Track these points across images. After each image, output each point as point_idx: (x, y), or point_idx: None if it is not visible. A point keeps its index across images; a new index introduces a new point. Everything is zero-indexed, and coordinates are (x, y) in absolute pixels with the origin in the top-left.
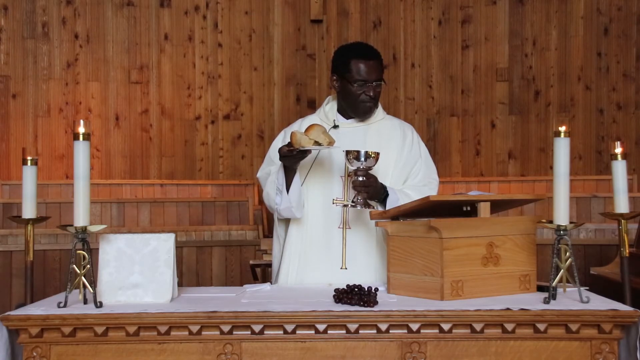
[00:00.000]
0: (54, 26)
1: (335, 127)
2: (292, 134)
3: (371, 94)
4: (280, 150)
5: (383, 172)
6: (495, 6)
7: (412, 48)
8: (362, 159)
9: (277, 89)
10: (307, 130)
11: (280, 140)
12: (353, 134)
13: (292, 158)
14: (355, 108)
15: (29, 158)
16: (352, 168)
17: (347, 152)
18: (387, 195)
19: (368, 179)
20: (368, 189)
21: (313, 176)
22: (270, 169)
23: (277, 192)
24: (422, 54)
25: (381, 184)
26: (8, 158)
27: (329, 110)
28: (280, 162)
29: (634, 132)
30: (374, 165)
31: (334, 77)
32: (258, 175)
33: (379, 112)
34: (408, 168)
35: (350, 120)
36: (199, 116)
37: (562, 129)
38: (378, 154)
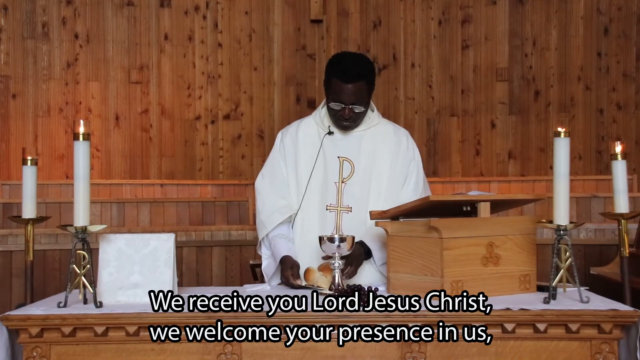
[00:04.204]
0: (54, 26)
1: (330, 133)
2: (309, 271)
3: (345, 115)
4: (286, 279)
5: (378, 175)
6: (495, 6)
7: (412, 48)
8: (337, 242)
9: (277, 89)
10: (323, 269)
11: (279, 143)
12: (348, 140)
13: (294, 288)
14: (334, 123)
15: (29, 158)
16: (327, 252)
17: (321, 238)
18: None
19: (345, 266)
20: (349, 272)
21: (309, 182)
22: (270, 231)
23: (265, 247)
24: (422, 54)
25: (358, 253)
26: (8, 158)
27: (324, 115)
28: (279, 258)
29: (634, 132)
30: (349, 251)
31: (324, 86)
32: (256, 184)
33: (375, 117)
34: (404, 170)
35: None
36: (199, 116)
37: (562, 129)
38: (353, 238)
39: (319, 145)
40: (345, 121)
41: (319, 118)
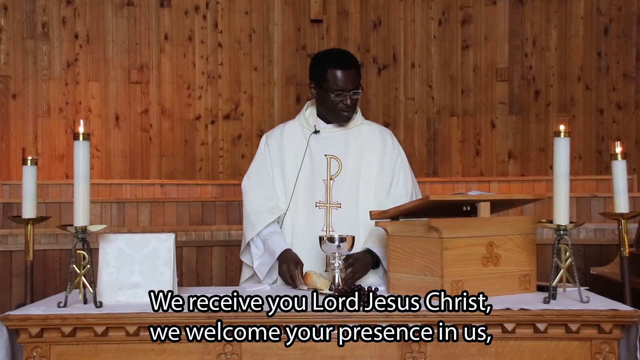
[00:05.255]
0: (54, 26)
1: (316, 132)
2: (307, 275)
3: (348, 103)
4: (291, 275)
5: (367, 172)
6: (495, 6)
7: (412, 48)
8: (337, 242)
9: (277, 89)
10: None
11: (263, 146)
12: (334, 139)
13: (294, 288)
14: (334, 116)
15: (29, 158)
16: (327, 252)
17: (321, 238)
18: (377, 259)
19: (353, 268)
20: (356, 274)
21: (297, 181)
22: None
23: (254, 247)
24: (422, 54)
25: (366, 262)
26: (8, 158)
27: (309, 115)
28: (277, 256)
29: (634, 132)
30: (349, 250)
31: (312, 85)
32: (243, 186)
33: (358, 117)
34: (391, 167)
35: (330, 125)
36: (199, 116)
37: (562, 128)
38: (353, 237)
39: (305, 144)
40: (347, 110)
41: (304, 119)
